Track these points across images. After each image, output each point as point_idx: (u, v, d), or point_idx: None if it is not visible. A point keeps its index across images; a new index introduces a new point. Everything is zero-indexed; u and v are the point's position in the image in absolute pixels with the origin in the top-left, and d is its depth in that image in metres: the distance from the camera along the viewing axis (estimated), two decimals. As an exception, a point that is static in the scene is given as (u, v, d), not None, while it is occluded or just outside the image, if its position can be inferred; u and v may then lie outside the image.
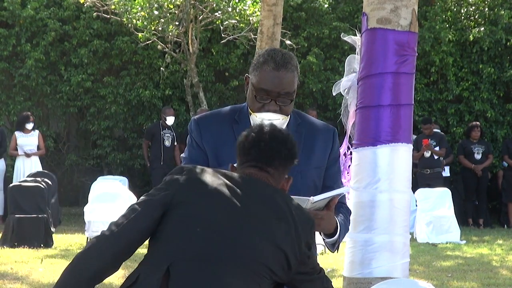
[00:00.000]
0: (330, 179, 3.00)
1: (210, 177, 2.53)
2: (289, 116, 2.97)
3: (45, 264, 8.46)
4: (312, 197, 2.77)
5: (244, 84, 3.03)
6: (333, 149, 3.04)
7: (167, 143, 13.06)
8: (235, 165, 2.68)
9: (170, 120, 13.08)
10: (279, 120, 2.91)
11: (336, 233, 2.91)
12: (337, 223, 2.89)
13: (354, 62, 4.13)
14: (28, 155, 12.76)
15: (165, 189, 2.51)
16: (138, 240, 2.46)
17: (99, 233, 2.45)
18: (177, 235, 2.42)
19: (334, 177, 3.02)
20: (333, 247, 2.97)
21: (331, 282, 2.66)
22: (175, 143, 13.17)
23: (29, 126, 12.85)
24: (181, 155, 3.11)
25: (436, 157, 12.78)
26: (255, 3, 13.26)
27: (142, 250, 2.53)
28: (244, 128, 2.95)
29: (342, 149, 4.18)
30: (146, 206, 2.49)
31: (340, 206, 3.01)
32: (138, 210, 2.48)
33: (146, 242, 2.51)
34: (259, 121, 2.91)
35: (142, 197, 2.54)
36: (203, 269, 2.36)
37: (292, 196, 2.79)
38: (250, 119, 2.96)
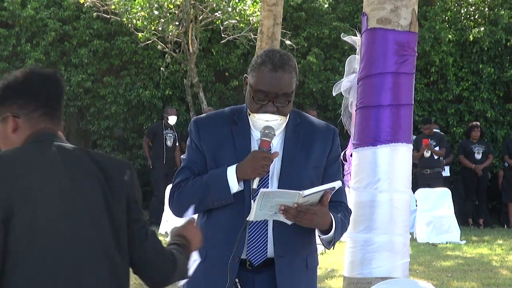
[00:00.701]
0: (329, 179, 2.98)
1: (16, 164, 2.16)
2: (287, 116, 2.97)
3: (45, 264, 8.46)
4: (302, 191, 2.75)
5: (243, 85, 3.04)
6: (332, 149, 3.03)
7: (169, 143, 13.05)
8: (18, 118, 2.26)
9: (172, 120, 13.07)
10: (277, 121, 2.91)
11: (332, 230, 2.89)
12: (332, 220, 2.88)
13: (354, 63, 4.13)
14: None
15: None
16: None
17: None
18: (24, 262, 2.11)
19: (333, 176, 3.00)
20: (329, 244, 2.96)
21: (155, 232, 2.40)
22: (177, 143, 13.16)
23: None
24: (181, 156, 3.13)
25: (436, 157, 12.78)
26: (255, 3, 13.26)
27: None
28: (242, 129, 2.96)
29: (349, 151, 4.18)
30: None
31: (339, 205, 3.00)
32: None
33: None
34: (257, 122, 2.92)
35: None
36: None
37: (282, 190, 2.79)
38: (249, 119, 2.97)
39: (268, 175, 2.92)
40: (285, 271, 2.92)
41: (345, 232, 3.03)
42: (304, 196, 2.75)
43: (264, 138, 2.88)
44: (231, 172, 2.88)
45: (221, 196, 2.89)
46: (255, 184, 2.87)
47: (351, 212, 3.10)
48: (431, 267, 8.87)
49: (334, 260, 8.91)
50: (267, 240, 2.92)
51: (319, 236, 2.96)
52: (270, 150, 2.90)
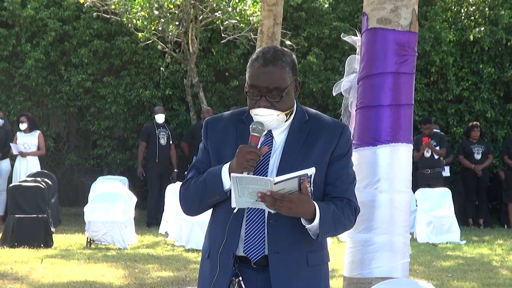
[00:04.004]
0: (332, 175, 2.95)
1: None
2: (291, 111, 2.98)
3: (45, 264, 8.46)
4: (273, 178, 2.74)
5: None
6: (338, 146, 2.98)
7: (162, 141, 13.06)
8: None
9: (159, 118, 13.13)
10: (273, 116, 2.93)
11: (315, 219, 2.82)
12: (315, 208, 2.82)
13: (354, 63, 4.13)
14: (23, 155, 12.70)
15: None
16: None
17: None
18: None
19: (337, 173, 2.96)
20: (316, 236, 2.88)
21: None
22: (171, 142, 13.16)
23: (22, 126, 12.81)
24: (194, 157, 3.20)
25: (436, 157, 12.77)
26: (255, 3, 13.26)
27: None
28: (248, 128, 2.97)
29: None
30: None
31: (339, 200, 2.94)
32: None
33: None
34: (254, 118, 2.94)
35: None
36: None
37: (252, 176, 2.79)
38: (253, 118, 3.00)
39: (267, 171, 2.93)
40: (279, 267, 2.91)
41: (341, 227, 2.93)
42: (276, 183, 2.73)
43: (253, 133, 2.91)
44: (225, 169, 2.92)
45: (215, 193, 2.93)
46: None
47: (358, 211, 3.00)
48: (431, 267, 8.87)
49: (334, 260, 8.87)
50: (264, 237, 2.92)
51: (305, 227, 2.89)
52: (258, 145, 2.91)
